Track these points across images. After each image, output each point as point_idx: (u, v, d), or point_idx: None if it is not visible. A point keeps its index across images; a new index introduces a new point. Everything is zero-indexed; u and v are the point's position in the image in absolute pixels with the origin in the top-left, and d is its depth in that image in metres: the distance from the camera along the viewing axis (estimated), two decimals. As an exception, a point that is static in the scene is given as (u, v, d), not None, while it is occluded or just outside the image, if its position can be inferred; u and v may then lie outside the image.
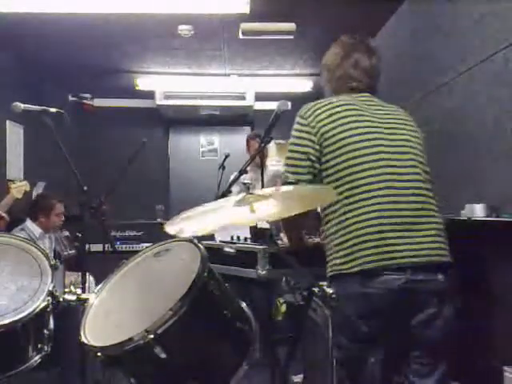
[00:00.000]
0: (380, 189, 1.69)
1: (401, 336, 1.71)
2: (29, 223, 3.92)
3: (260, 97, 6.50)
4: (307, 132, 1.81)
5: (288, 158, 1.87)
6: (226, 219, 1.62)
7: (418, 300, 1.67)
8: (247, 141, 4.92)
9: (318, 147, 1.78)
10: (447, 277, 1.70)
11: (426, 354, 1.70)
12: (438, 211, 1.79)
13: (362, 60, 1.93)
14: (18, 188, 3.70)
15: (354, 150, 1.73)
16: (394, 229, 1.66)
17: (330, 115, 1.79)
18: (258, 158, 3.52)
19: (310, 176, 1.82)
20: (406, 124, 1.87)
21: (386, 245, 1.64)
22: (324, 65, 2.01)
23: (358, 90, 1.91)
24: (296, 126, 1.87)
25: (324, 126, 1.78)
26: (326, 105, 1.83)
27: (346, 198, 1.71)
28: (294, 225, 2.02)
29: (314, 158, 1.79)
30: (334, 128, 1.76)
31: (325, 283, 2.14)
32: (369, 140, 1.75)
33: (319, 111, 1.82)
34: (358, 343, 1.69)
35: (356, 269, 1.65)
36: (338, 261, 1.71)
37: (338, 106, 1.82)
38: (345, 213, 1.71)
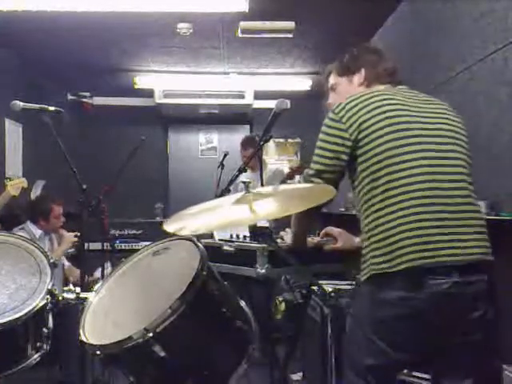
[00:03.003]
0: (421, 182, 1.59)
1: (442, 341, 1.60)
2: (29, 224, 3.92)
3: (259, 95, 6.50)
4: (338, 128, 1.70)
5: (315, 154, 1.78)
6: (225, 218, 1.62)
7: (465, 304, 1.57)
8: (240, 145, 4.85)
9: (349, 144, 1.68)
10: (490, 276, 1.62)
11: (467, 357, 1.61)
12: (479, 206, 1.71)
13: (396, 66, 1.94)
14: (15, 185, 3.67)
15: (393, 140, 1.63)
16: (437, 225, 1.56)
17: (366, 106, 1.69)
18: (257, 157, 3.52)
19: (336, 175, 1.75)
20: (448, 114, 1.78)
21: (428, 242, 1.54)
22: (365, 65, 1.92)
23: (395, 83, 1.87)
24: (326, 121, 1.75)
25: (358, 118, 1.67)
26: (360, 97, 1.73)
27: (383, 192, 1.61)
28: (303, 222, 1.99)
29: (343, 157, 1.70)
30: (370, 119, 1.66)
31: (324, 282, 2.14)
32: (408, 130, 1.65)
33: (352, 103, 1.71)
34: (396, 349, 1.59)
35: (398, 268, 1.54)
36: (377, 259, 1.60)
37: (374, 97, 1.72)
38: (381, 209, 1.61)
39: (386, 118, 1.67)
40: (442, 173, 1.63)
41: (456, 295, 1.54)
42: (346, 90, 1.94)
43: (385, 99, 1.72)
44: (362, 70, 1.91)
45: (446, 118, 1.75)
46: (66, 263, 4.20)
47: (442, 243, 1.55)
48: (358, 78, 1.93)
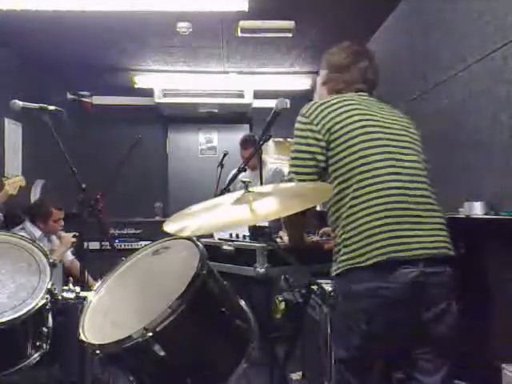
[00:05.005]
0: (388, 181, 1.69)
1: (410, 332, 1.67)
2: (28, 224, 3.91)
3: (259, 95, 6.49)
4: (311, 130, 1.79)
5: (293, 158, 1.84)
6: (224, 218, 1.62)
7: (430, 294, 1.65)
8: (240, 145, 4.81)
9: (324, 144, 1.77)
10: (453, 271, 1.70)
11: (434, 350, 1.68)
12: (439, 207, 1.80)
13: (369, 71, 1.97)
14: (13, 184, 3.62)
15: (362, 142, 1.73)
16: (403, 221, 1.66)
17: (334, 110, 1.79)
18: (257, 157, 3.52)
19: (316, 176, 1.81)
20: (404, 121, 1.90)
21: (397, 236, 1.63)
22: (329, 65, 2.00)
23: (361, 91, 1.94)
24: (298, 126, 1.84)
25: (329, 121, 1.77)
26: (328, 101, 1.83)
27: (354, 190, 1.70)
28: (296, 223, 2.01)
29: (319, 158, 1.78)
30: (339, 122, 1.76)
31: (323, 281, 2.14)
32: (374, 133, 1.76)
33: (322, 107, 1.81)
34: (369, 341, 1.65)
35: (369, 262, 1.62)
36: (349, 255, 1.68)
37: (340, 102, 1.82)
38: (352, 206, 1.69)
39: (354, 121, 1.76)
40: (406, 174, 1.74)
41: (423, 284, 1.63)
42: (318, 87, 2.08)
43: (352, 104, 1.82)
44: (325, 71, 2.02)
45: (403, 125, 1.87)
46: (70, 257, 4.19)
47: (408, 238, 1.65)
48: (321, 78, 2.05)
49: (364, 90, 1.94)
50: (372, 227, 1.65)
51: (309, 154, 1.79)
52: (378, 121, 1.80)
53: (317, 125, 1.78)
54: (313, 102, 1.86)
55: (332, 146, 1.76)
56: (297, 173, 1.82)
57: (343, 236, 1.71)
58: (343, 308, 1.71)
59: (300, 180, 1.81)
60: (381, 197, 1.67)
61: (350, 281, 1.68)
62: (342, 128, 1.75)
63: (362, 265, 1.64)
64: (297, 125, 1.85)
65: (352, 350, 1.68)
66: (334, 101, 1.83)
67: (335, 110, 1.79)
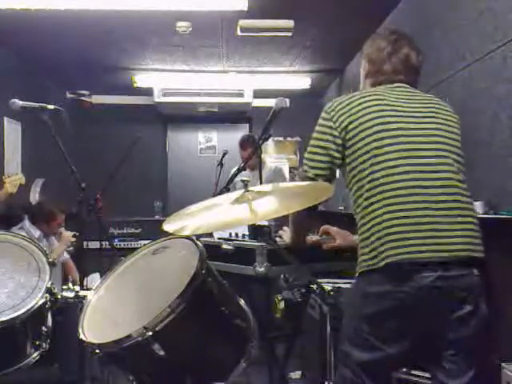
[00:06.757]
0: (403, 180, 1.64)
1: (430, 335, 1.62)
2: (28, 224, 3.90)
3: (258, 94, 6.49)
4: (329, 127, 1.77)
5: (308, 152, 1.83)
6: (224, 217, 1.62)
7: (453, 297, 1.59)
8: (239, 146, 4.77)
9: (340, 142, 1.75)
10: (481, 272, 1.64)
11: (459, 352, 1.62)
12: (471, 204, 1.73)
13: (412, 57, 1.88)
14: (12, 182, 3.61)
15: (376, 140, 1.69)
16: (419, 222, 1.60)
17: (353, 107, 1.76)
18: (255, 157, 3.52)
19: (329, 171, 1.79)
20: (439, 111, 1.81)
21: (409, 238, 1.59)
22: (368, 58, 1.93)
23: (400, 82, 1.86)
24: (319, 121, 1.83)
25: (346, 119, 1.74)
26: (349, 98, 1.80)
27: (367, 190, 1.67)
28: (300, 221, 2.00)
29: (335, 155, 1.76)
30: (354, 121, 1.73)
31: (323, 280, 2.15)
32: (392, 130, 1.71)
33: (341, 105, 1.78)
34: (387, 343, 1.62)
35: (382, 263, 1.59)
36: (364, 257, 1.66)
37: (361, 98, 1.78)
38: (366, 207, 1.67)
39: (371, 119, 1.72)
40: (426, 171, 1.67)
41: (442, 288, 1.57)
42: (362, 79, 1.99)
43: (374, 100, 1.76)
44: (366, 65, 1.94)
45: (437, 118, 1.78)
46: (66, 255, 4.18)
47: (422, 239, 1.59)
48: (363, 70, 1.97)
49: (405, 80, 1.86)
50: (384, 228, 1.61)
51: (324, 150, 1.78)
52: (401, 116, 1.73)
53: (335, 122, 1.76)
54: (336, 99, 1.83)
55: (347, 144, 1.74)
56: (311, 167, 1.81)
57: (360, 236, 1.70)
58: (359, 308, 1.67)
59: (313, 174, 1.79)
60: (393, 197, 1.63)
61: (365, 282, 1.66)
62: (356, 127, 1.72)
63: (376, 267, 1.61)
64: (319, 120, 1.83)
65: (370, 351, 1.63)
66: (356, 97, 1.79)
67: (354, 107, 1.76)
